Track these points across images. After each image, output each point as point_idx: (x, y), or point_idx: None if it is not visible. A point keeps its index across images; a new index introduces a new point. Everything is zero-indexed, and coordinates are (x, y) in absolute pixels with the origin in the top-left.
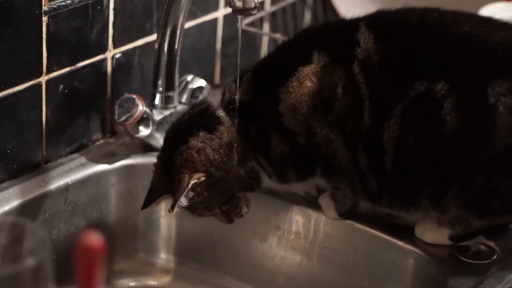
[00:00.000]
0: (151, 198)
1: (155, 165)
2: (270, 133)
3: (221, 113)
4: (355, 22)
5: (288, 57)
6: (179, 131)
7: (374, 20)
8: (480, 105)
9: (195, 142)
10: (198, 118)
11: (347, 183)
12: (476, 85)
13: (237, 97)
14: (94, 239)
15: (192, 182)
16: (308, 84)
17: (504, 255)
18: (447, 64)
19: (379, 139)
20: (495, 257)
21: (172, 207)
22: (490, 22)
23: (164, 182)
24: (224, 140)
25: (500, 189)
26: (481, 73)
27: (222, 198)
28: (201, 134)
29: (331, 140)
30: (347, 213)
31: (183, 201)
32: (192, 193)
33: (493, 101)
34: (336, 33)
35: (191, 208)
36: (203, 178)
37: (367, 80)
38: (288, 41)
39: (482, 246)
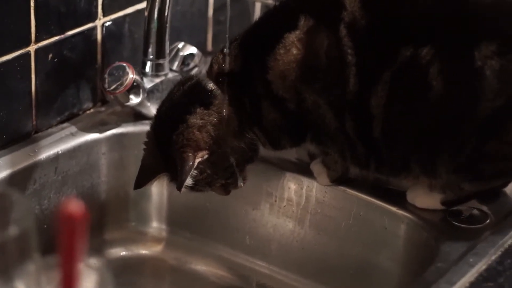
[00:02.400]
0: (145, 178)
1: (146, 143)
2: (261, 102)
3: (212, 86)
4: None
5: (274, 23)
6: (174, 109)
7: None
8: (466, 69)
9: (194, 120)
10: (192, 94)
11: (336, 149)
12: (462, 48)
13: (226, 66)
14: (75, 207)
15: (197, 161)
16: (295, 51)
17: (497, 219)
18: (432, 28)
19: (366, 105)
20: (488, 221)
21: (179, 187)
22: None
23: (159, 162)
24: (221, 114)
25: (490, 153)
26: (467, 36)
27: (225, 173)
28: (198, 110)
29: (319, 106)
30: (339, 179)
31: (188, 180)
32: (195, 172)
33: (479, 64)
34: None
35: (194, 186)
36: (206, 156)
37: (352, 45)
38: (275, 6)
39: (474, 211)
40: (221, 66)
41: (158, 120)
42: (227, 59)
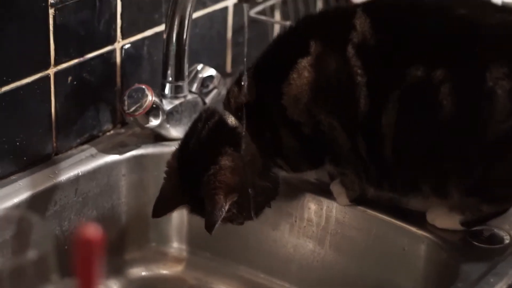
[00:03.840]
0: (165, 208)
1: (168, 173)
2: (279, 130)
3: (234, 122)
4: (353, 9)
5: (286, 50)
6: (202, 148)
7: (371, 5)
8: (477, 89)
9: (226, 162)
10: (218, 133)
11: (352, 170)
12: (473, 69)
13: (242, 99)
14: (92, 231)
15: (228, 203)
16: (306, 74)
17: None
18: (443, 48)
19: (377, 124)
20: (508, 241)
21: (210, 229)
22: (485, 4)
23: (181, 194)
24: (249, 155)
25: (500, 176)
26: (477, 57)
27: (249, 213)
28: (229, 152)
29: (334, 127)
30: (358, 199)
31: None
32: None
33: (491, 84)
34: (333, 20)
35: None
36: (235, 198)
37: (361, 64)
38: (286, 32)
39: (495, 230)
40: (237, 100)
41: (184, 155)
42: (243, 90)
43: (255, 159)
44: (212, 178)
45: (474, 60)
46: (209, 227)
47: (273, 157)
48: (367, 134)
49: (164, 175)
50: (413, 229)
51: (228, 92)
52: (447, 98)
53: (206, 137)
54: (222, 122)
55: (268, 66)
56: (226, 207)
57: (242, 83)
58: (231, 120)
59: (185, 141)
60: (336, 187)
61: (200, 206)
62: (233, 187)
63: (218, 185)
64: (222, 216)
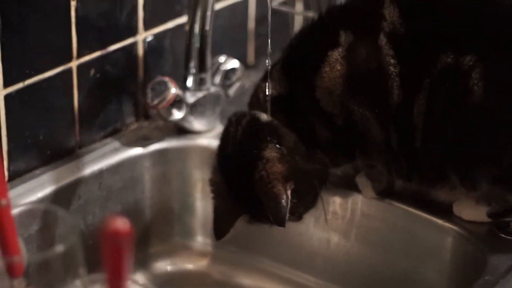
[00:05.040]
0: (225, 226)
1: (214, 191)
2: (313, 122)
3: (267, 117)
4: None
5: (315, 41)
6: (242, 150)
7: None
8: (508, 76)
9: (272, 154)
10: (254, 131)
11: (382, 162)
12: (503, 55)
13: (273, 93)
14: (120, 224)
15: (289, 192)
16: (339, 67)
17: None
18: (473, 34)
19: (409, 115)
20: None
21: (282, 223)
22: None
23: (235, 206)
24: (291, 144)
25: None
26: (508, 44)
27: (309, 199)
28: (270, 145)
29: (367, 118)
30: (384, 192)
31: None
32: None
33: None
34: (362, 11)
35: None
36: (293, 186)
37: (394, 53)
38: (312, 24)
39: None
40: (269, 95)
41: (225, 164)
42: (273, 84)
43: (297, 146)
44: (263, 173)
45: (505, 46)
46: (280, 221)
47: (313, 147)
48: (399, 125)
49: (211, 194)
50: (440, 221)
51: (257, 89)
52: (478, 84)
53: (242, 139)
54: (255, 119)
55: (298, 59)
56: (289, 196)
57: (272, 77)
58: (263, 116)
59: (222, 151)
60: (361, 180)
61: (258, 210)
62: (287, 176)
63: (273, 177)
64: (288, 206)
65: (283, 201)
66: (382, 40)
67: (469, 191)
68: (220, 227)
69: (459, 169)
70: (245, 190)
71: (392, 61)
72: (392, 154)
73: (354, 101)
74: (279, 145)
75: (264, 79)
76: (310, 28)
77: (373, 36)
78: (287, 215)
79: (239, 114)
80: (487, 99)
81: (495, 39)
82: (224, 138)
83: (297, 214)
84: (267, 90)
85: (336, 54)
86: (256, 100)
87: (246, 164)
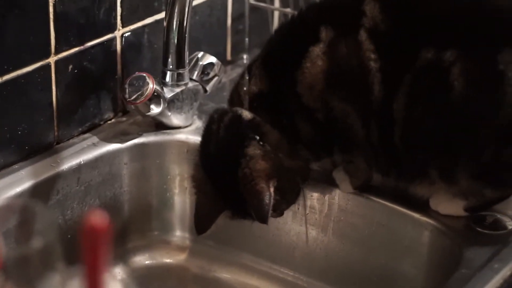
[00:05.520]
0: (207, 221)
1: (197, 187)
2: (295, 117)
3: (249, 114)
4: None
5: (296, 37)
6: (225, 147)
7: None
8: (488, 71)
9: (254, 151)
10: (236, 128)
11: (361, 158)
12: (484, 52)
13: (253, 90)
14: (99, 218)
15: (272, 189)
16: (320, 63)
17: None
18: (453, 30)
19: (389, 110)
20: (511, 227)
21: (265, 220)
22: None
23: (218, 202)
24: (273, 141)
25: (509, 161)
26: (489, 40)
27: (291, 196)
28: (253, 142)
29: (347, 114)
30: (362, 186)
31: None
32: None
33: (502, 68)
34: (342, 7)
35: None
36: (276, 183)
37: (374, 48)
38: (292, 20)
39: (498, 216)
40: (249, 91)
41: (208, 161)
42: (254, 81)
43: (280, 142)
44: (246, 170)
45: (486, 43)
46: (262, 218)
47: (294, 144)
48: (380, 121)
49: (194, 190)
50: (417, 215)
51: (237, 85)
52: (458, 80)
53: (225, 136)
54: (237, 116)
55: (279, 55)
56: (272, 194)
57: (252, 74)
58: (245, 113)
59: (204, 148)
60: (339, 174)
61: (241, 207)
62: (270, 173)
63: (256, 175)
64: (271, 204)
65: (266, 198)
66: (362, 35)
67: (449, 186)
68: (202, 222)
69: (439, 164)
70: (228, 187)
71: (372, 56)
72: (373, 149)
73: (335, 96)
74: (262, 142)
75: (244, 75)
76: (290, 24)
77: (354, 32)
78: (270, 212)
79: (221, 111)
80: (467, 95)
81: (477, 38)
82: (206, 135)
83: (279, 211)
84: (246, 86)
85: (317, 50)
86: (237, 97)
87: (229, 162)
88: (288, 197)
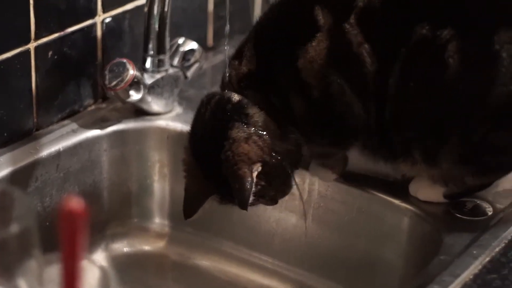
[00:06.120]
0: (195, 206)
1: (186, 170)
2: (289, 95)
3: (237, 96)
4: None
5: (291, 16)
6: (210, 129)
7: None
8: (484, 50)
9: (237, 134)
10: (222, 109)
11: (359, 142)
12: (480, 32)
13: (243, 70)
14: (75, 204)
15: (254, 174)
16: (324, 41)
17: (500, 210)
18: (450, 10)
19: (384, 86)
20: (491, 213)
21: (244, 206)
22: None
23: (205, 186)
24: (259, 123)
25: (498, 144)
26: (485, 21)
27: (278, 182)
28: (237, 124)
29: (344, 92)
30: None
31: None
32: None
33: (497, 48)
34: None
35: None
36: (260, 168)
37: (369, 27)
38: (282, 2)
39: (478, 202)
40: (239, 72)
41: (196, 145)
42: (242, 60)
43: (267, 124)
44: (229, 154)
45: (482, 23)
46: (243, 204)
47: (285, 126)
48: (376, 98)
49: (184, 174)
50: (396, 202)
51: (228, 67)
52: (454, 57)
53: (211, 119)
54: (224, 99)
55: (275, 34)
56: (254, 179)
57: (242, 55)
58: (233, 95)
59: (193, 132)
60: (317, 169)
61: (227, 191)
62: (253, 157)
63: (238, 159)
64: (252, 189)
65: (247, 183)
66: (356, 14)
67: (430, 168)
68: (190, 207)
69: (424, 143)
70: (214, 171)
71: (365, 33)
72: (369, 132)
73: (334, 71)
74: (247, 124)
75: (234, 58)
76: (282, 3)
77: (348, 10)
78: (251, 197)
79: (210, 94)
80: (462, 73)
81: (473, 17)
82: (195, 118)
83: (269, 197)
84: (236, 68)
85: (319, 34)
86: (229, 80)
87: (214, 144)
88: (275, 183)
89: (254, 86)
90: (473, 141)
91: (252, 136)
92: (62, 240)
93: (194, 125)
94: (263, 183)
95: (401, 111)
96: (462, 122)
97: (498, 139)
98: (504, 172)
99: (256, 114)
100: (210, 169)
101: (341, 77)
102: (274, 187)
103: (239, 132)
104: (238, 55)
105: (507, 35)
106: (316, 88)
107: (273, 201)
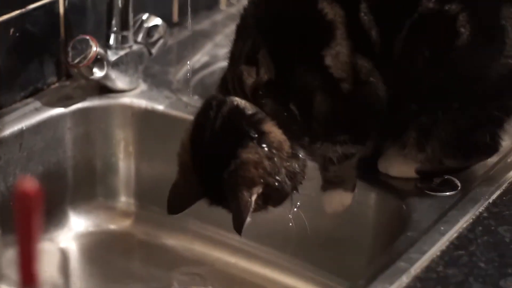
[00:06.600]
0: (181, 205)
1: (181, 167)
2: (314, 97)
3: (250, 107)
4: None
5: (299, 16)
6: (219, 140)
7: None
8: (492, 23)
9: (248, 155)
10: (236, 122)
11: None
12: (487, 6)
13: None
14: (29, 185)
15: (253, 198)
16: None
17: (468, 186)
18: None
19: (390, 57)
20: (459, 188)
21: (240, 229)
22: None
23: (197, 188)
24: (274, 143)
25: (493, 117)
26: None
27: (275, 203)
28: (250, 144)
29: (370, 71)
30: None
31: None
32: None
33: (503, 22)
34: None
35: None
36: (260, 190)
37: (376, 14)
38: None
39: (446, 177)
40: (256, 80)
41: (198, 148)
42: (259, 69)
43: (282, 145)
44: (233, 174)
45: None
46: (238, 228)
47: (301, 137)
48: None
49: (177, 169)
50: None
51: (242, 73)
52: (466, 26)
53: (221, 128)
54: (237, 109)
55: (289, 39)
56: (253, 203)
57: (256, 63)
58: (247, 105)
59: (197, 132)
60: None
61: (220, 199)
62: (257, 181)
63: (241, 181)
64: (249, 213)
65: (245, 208)
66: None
67: (418, 152)
68: (176, 204)
69: (421, 121)
70: (211, 180)
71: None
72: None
73: (360, 55)
74: (260, 143)
75: (248, 62)
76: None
77: None
78: (247, 220)
79: (220, 99)
80: (473, 42)
81: None
82: (202, 119)
83: (263, 209)
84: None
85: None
86: (238, 85)
87: (219, 158)
88: (272, 203)
89: (273, 94)
90: (469, 115)
91: (262, 160)
92: (17, 222)
93: (200, 126)
94: (260, 202)
95: (405, 80)
96: (462, 93)
97: (493, 112)
98: (486, 157)
99: (272, 133)
100: (208, 178)
101: (365, 59)
102: (270, 205)
103: (250, 153)
104: (250, 61)
105: (509, 11)
106: (346, 80)
107: (266, 210)
